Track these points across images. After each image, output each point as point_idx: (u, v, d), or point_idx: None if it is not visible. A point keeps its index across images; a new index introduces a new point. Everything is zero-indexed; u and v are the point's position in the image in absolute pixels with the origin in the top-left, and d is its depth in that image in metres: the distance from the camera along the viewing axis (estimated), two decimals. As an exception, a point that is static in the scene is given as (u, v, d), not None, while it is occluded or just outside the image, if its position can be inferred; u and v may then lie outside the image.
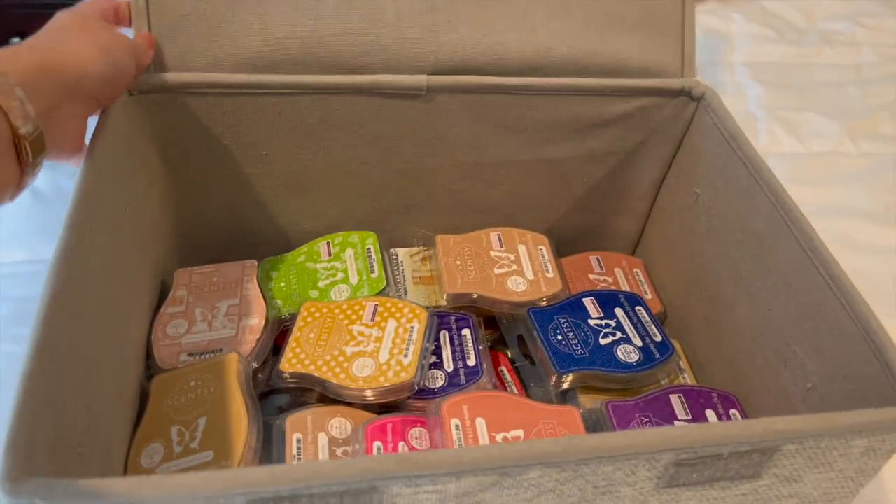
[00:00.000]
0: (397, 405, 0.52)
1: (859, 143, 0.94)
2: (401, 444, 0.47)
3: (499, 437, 0.46)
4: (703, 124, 0.59)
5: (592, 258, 0.67)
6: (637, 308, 0.58)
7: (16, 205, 0.41)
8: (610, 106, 0.60)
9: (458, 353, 0.55)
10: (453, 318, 0.58)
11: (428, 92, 0.56)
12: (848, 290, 0.44)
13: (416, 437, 0.48)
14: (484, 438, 0.46)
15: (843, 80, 1.05)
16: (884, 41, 1.12)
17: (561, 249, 0.66)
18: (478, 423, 0.46)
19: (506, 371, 0.59)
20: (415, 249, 0.66)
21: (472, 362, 0.55)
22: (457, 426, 0.46)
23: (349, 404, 0.52)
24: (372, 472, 0.32)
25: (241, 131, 0.56)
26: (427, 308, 0.56)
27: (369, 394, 0.51)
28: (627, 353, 0.54)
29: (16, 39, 1.67)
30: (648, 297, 0.64)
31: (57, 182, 0.79)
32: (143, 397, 0.51)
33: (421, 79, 0.55)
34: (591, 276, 0.65)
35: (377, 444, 0.47)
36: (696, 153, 0.61)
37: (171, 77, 0.52)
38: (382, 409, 0.52)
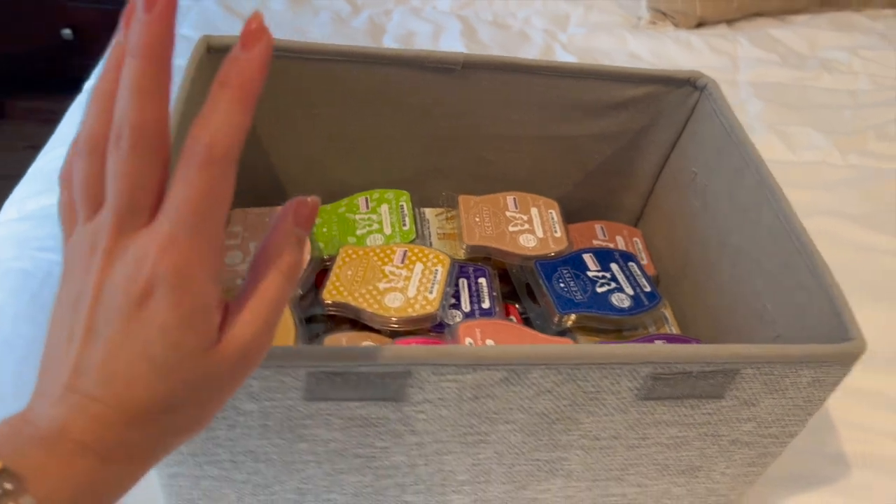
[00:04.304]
0: (419, 335, 0.60)
1: (847, 156, 1.01)
2: (423, 360, 0.56)
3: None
4: (704, 112, 0.67)
5: (597, 226, 0.75)
6: (630, 264, 0.66)
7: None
8: (622, 90, 0.68)
9: (475, 297, 0.64)
10: (471, 268, 0.66)
11: (463, 68, 0.64)
12: (812, 253, 0.52)
13: (437, 356, 0.56)
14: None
15: (838, 104, 1.12)
16: (880, 72, 1.20)
17: (570, 218, 0.74)
18: (487, 343, 0.54)
19: (514, 320, 0.67)
20: (440, 209, 0.74)
21: (486, 305, 0.63)
22: (470, 343, 0.54)
23: (378, 332, 0.60)
24: (407, 357, 0.41)
25: (300, 92, 0.64)
26: (450, 256, 0.65)
27: (398, 322, 0.59)
28: (620, 300, 0.62)
29: (67, 31, 1.76)
30: (644, 262, 0.72)
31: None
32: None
33: (458, 55, 0.63)
34: (595, 242, 0.73)
35: (404, 358, 0.56)
36: (696, 137, 0.68)
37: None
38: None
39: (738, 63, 1.18)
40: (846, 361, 0.46)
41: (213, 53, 0.59)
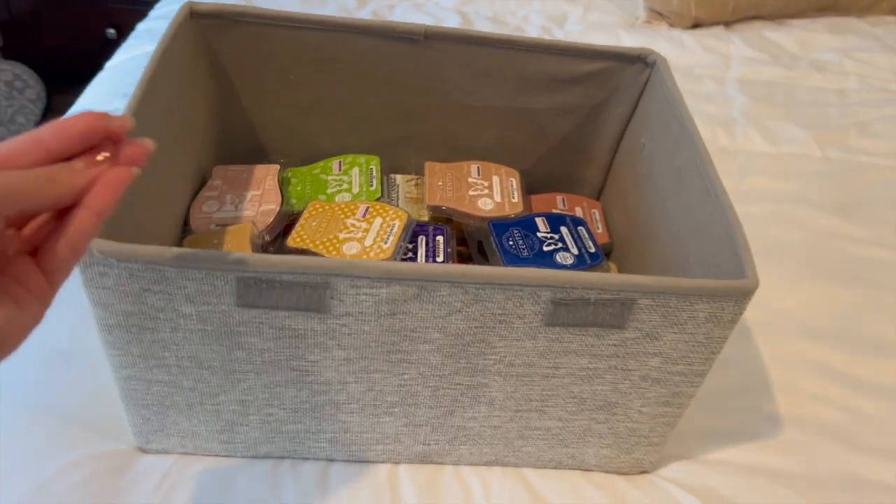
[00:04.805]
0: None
1: (827, 150, 1.04)
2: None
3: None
4: (653, 87, 0.71)
5: (558, 197, 0.79)
6: (579, 228, 0.70)
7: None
8: (578, 65, 0.72)
9: (431, 252, 0.69)
10: (431, 227, 0.71)
11: (425, 38, 0.69)
12: (726, 210, 0.55)
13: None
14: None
15: (824, 101, 1.15)
16: (871, 73, 1.22)
17: (535, 191, 0.78)
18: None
19: (472, 278, 0.72)
20: (411, 176, 0.79)
21: (440, 259, 0.68)
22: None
23: (336, 277, 0.66)
24: (324, 267, 0.46)
25: (276, 58, 0.70)
26: (408, 213, 0.70)
27: (351, 266, 0.64)
28: (564, 258, 0.67)
29: (111, 31, 1.87)
30: (600, 231, 0.76)
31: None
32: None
33: (420, 26, 0.69)
34: (554, 212, 0.77)
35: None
36: (646, 111, 0.73)
37: (225, 6, 0.66)
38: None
39: (730, 62, 1.21)
40: (739, 297, 0.50)
41: (194, 19, 0.66)
